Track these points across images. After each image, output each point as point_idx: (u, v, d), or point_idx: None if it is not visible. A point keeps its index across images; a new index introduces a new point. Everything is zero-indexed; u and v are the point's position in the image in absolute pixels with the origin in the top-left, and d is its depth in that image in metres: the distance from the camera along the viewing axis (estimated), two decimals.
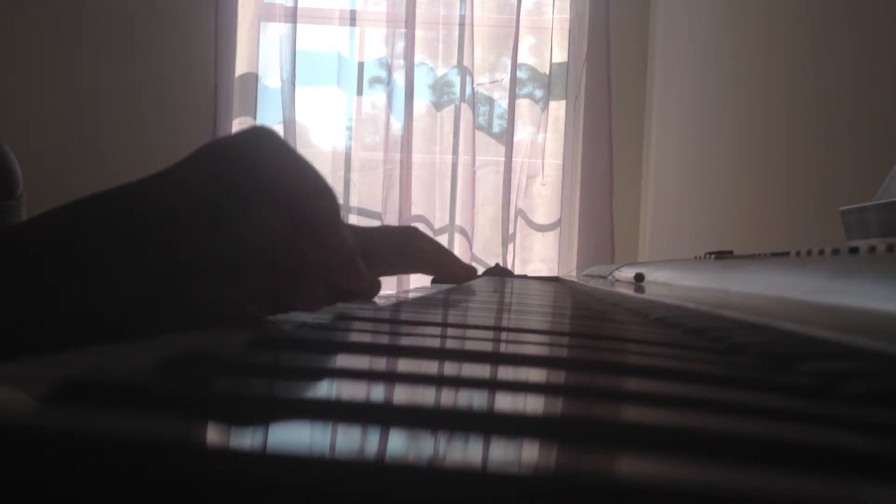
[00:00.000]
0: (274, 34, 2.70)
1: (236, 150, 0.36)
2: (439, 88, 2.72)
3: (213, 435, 0.13)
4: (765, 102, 1.50)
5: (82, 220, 0.34)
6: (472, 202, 2.64)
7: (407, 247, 0.71)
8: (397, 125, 2.66)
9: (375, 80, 2.71)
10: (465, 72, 2.65)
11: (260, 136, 0.37)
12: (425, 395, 0.18)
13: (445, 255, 0.75)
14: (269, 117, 2.71)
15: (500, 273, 1.51)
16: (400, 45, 2.66)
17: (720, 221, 1.72)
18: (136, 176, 0.35)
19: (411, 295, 0.66)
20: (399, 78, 2.65)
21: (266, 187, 0.35)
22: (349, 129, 2.72)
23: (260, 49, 2.70)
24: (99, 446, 0.11)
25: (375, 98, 2.71)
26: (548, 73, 2.68)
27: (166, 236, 0.33)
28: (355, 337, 0.30)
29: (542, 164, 2.67)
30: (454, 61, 2.69)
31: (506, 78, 2.68)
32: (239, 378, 0.19)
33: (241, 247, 0.34)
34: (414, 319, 0.39)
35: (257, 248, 0.34)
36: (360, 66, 2.68)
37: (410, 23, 2.64)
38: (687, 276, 0.64)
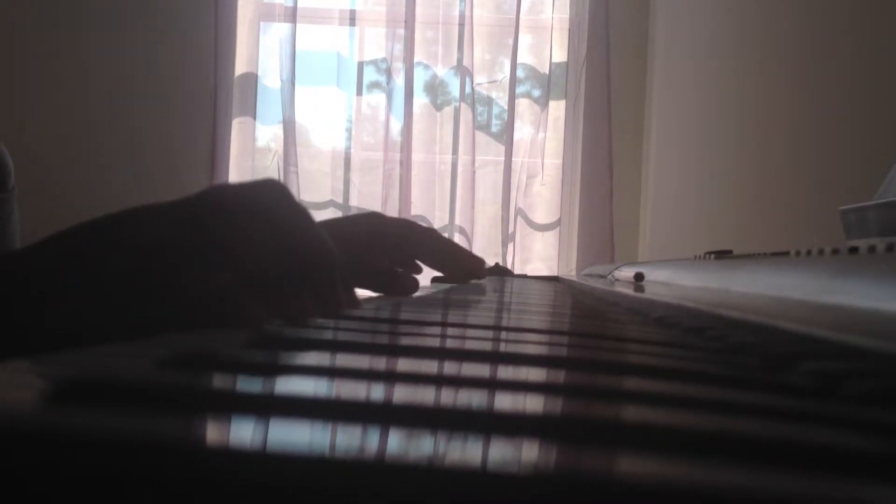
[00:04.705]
0: (274, 34, 2.70)
1: (245, 193, 0.39)
2: (439, 88, 2.71)
3: (213, 434, 0.13)
4: (764, 102, 1.50)
5: (87, 246, 0.36)
6: (471, 202, 2.64)
7: (403, 239, 0.72)
8: (397, 125, 2.66)
9: (375, 81, 2.71)
10: (464, 72, 2.65)
11: (270, 187, 0.39)
12: (425, 395, 0.18)
13: (451, 246, 0.76)
14: (269, 117, 2.71)
15: (499, 272, 1.50)
16: (399, 45, 2.66)
17: (720, 221, 1.72)
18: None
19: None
20: (398, 78, 2.65)
21: (267, 231, 0.37)
22: (349, 129, 2.72)
23: (260, 49, 2.70)
24: (99, 446, 0.11)
25: (375, 98, 2.71)
26: (547, 72, 2.67)
27: (169, 264, 0.35)
28: (355, 337, 0.30)
29: (542, 163, 2.67)
30: (454, 61, 2.69)
31: (505, 78, 2.68)
32: (239, 378, 0.19)
33: (236, 278, 0.36)
34: (413, 319, 0.39)
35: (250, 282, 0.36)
36: (360, 66, 2.68)
37: (410, 23, 2.64)
38: (687, 276, 0.64)
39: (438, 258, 0.75)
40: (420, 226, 0.77)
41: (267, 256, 0.36)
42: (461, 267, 0.76)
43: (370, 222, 0.73)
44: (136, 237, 0.36)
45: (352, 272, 0.70)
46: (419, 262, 0.74)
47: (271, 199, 0.39)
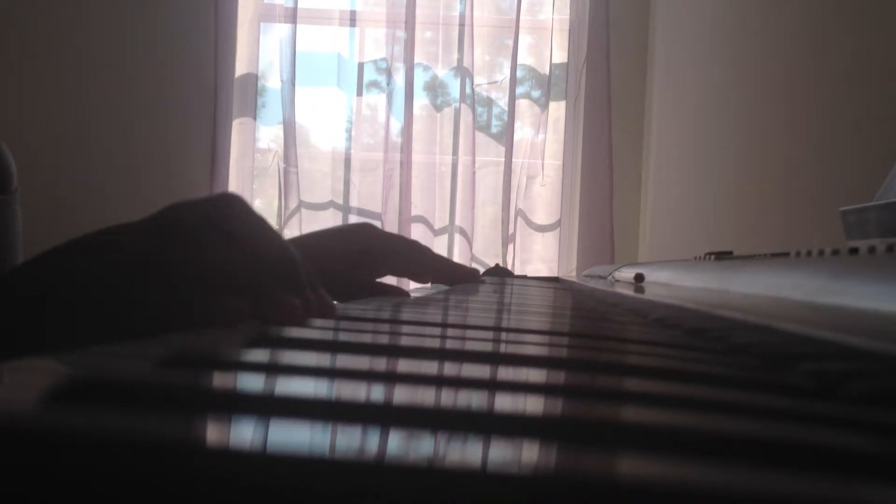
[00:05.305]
0: (274, 35, 2.70)
1: (201, 208, 0.40)
2: (439, 89, 2.71)
3: (213, 434, 0.13)
4: (764, 102, 1.50)
5: (53, 269, 0.39)
6: (471, 203, 2.64)
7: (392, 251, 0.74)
8: (397, 126, 2.66)
9: (375, 81, 2.71)
10: (464, 72, 2.65)
11: (225, 200, 0.41)
12: (425, 396, 0.18)
13: (444, 261, 0.80)
14: (269, 118, 2.71)
15: (499, 273, 1.51)
16: (399, 46, 2.66)
17: (720, 221, 1.72)
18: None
19: (412, 295, 0.66)
20: (399, 78, 2.65)
21: (225, 241, 0.38)
22: (349, 129, 2.72)
23: (260, 49, 2.70)
24: (99, 446, 0.11)
25: (375, 99, 2.71)
26: (547, 73, 2.67)
27: (136, 281, 0.37)
28: (355, 337, 0.30)
29: (542, 164, 2.66)
30: (454, 62, 2.69)
31: (505, 78, 2.68)
32: (238, 378, 0.19)
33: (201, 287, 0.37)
34: (413, 319, 0.39)
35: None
36: (360, 66, 2.68)
37: (410, 23, 2.64)
38: (687, 277, 0.64)
39: (432, 273, 0.76)
40: (413, 241, 0.79)
41: (227, 264, 0.37)
42: (455, 278, 0.78)
43: (362, 238, 0.74)
44: (106, 257, 0.38)
45: (342, 286, 0.71)
46: (414, 277, 0.76)
47: (227, 210, 0.40)
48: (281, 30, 2.66)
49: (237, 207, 0.40)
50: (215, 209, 0.40)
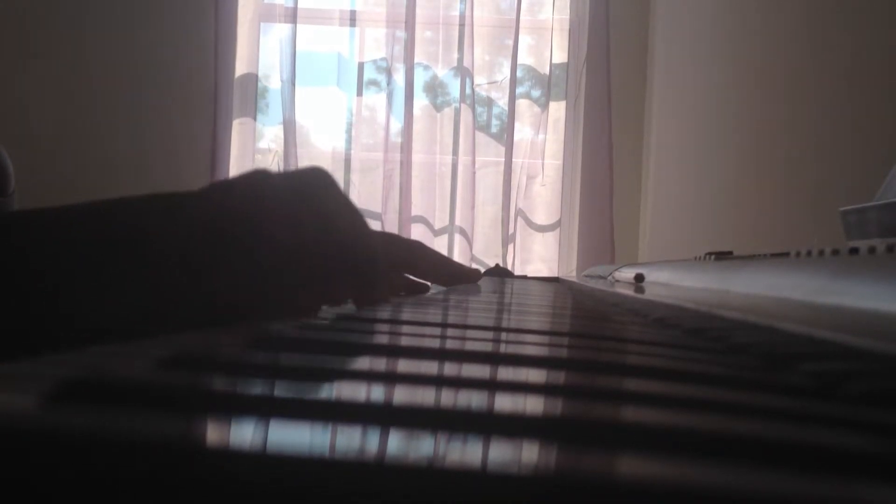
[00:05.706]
0: (274, 35, 2.70)
1: (291, 182, 0.38)
2: (439, 89, 2.72)
3: (213, 435, 0.13)
4: (765, 102, 1.50)
5: (125, 222, 0.36)
6: (471, 203, 2.64)
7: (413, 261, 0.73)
8: (397, 126, 2.66)
9: (375, 81, 2.71)
10: (464, 72, 2.65)
11: (315, 176, 0.39)
12: (425, 396, 0.18)
13: (440, 258, 0.78)
14: (270, 118, 2.71)
15: (500, 273, 1.51)
16: (399, 46, 2.66)
17: (720, 221, 1.72)
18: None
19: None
20: (399, 78, 2.65)
21: (310, 220, 0.37)
22: (349, 130, 2.72)
23: (260, 49, 2.70)
24: (99, 446, 0.11)
25: (375, 99, 2.71)
26: (548, 73, 2.68)
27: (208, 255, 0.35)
28: (356, 337, 0.30)
29: (542, 164, 2.67)
30: (454, 62, 2.69)
31: (505, 78, 2.68)
32: (239, 378, 0.19)
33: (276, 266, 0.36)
34: (414, 319, 0.39)
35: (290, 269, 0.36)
36: (360, 66, 2.68)
37: (410, 23, 2.64)
38: (687, 277, 0.64)
39: (428, 270, 0.74)
40: (413, 241, 0.78)
41: (310, 246, 0.36)
42: (453, 278, 0.76)
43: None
44: (178, 222, 0.36)
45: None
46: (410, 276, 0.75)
47: (317, 188, 0.38)
48: (281, 30, 2.66)
49: (327, 186, 0.39)
50: (305, 185, 0.38)
